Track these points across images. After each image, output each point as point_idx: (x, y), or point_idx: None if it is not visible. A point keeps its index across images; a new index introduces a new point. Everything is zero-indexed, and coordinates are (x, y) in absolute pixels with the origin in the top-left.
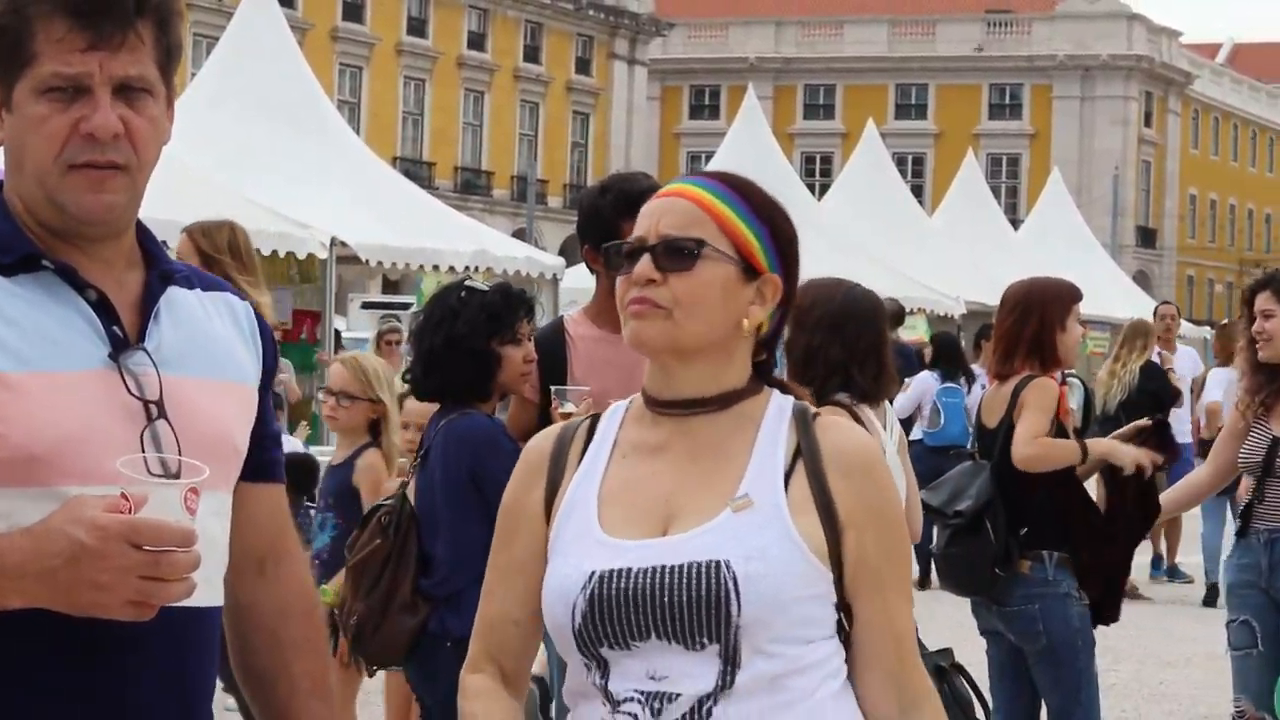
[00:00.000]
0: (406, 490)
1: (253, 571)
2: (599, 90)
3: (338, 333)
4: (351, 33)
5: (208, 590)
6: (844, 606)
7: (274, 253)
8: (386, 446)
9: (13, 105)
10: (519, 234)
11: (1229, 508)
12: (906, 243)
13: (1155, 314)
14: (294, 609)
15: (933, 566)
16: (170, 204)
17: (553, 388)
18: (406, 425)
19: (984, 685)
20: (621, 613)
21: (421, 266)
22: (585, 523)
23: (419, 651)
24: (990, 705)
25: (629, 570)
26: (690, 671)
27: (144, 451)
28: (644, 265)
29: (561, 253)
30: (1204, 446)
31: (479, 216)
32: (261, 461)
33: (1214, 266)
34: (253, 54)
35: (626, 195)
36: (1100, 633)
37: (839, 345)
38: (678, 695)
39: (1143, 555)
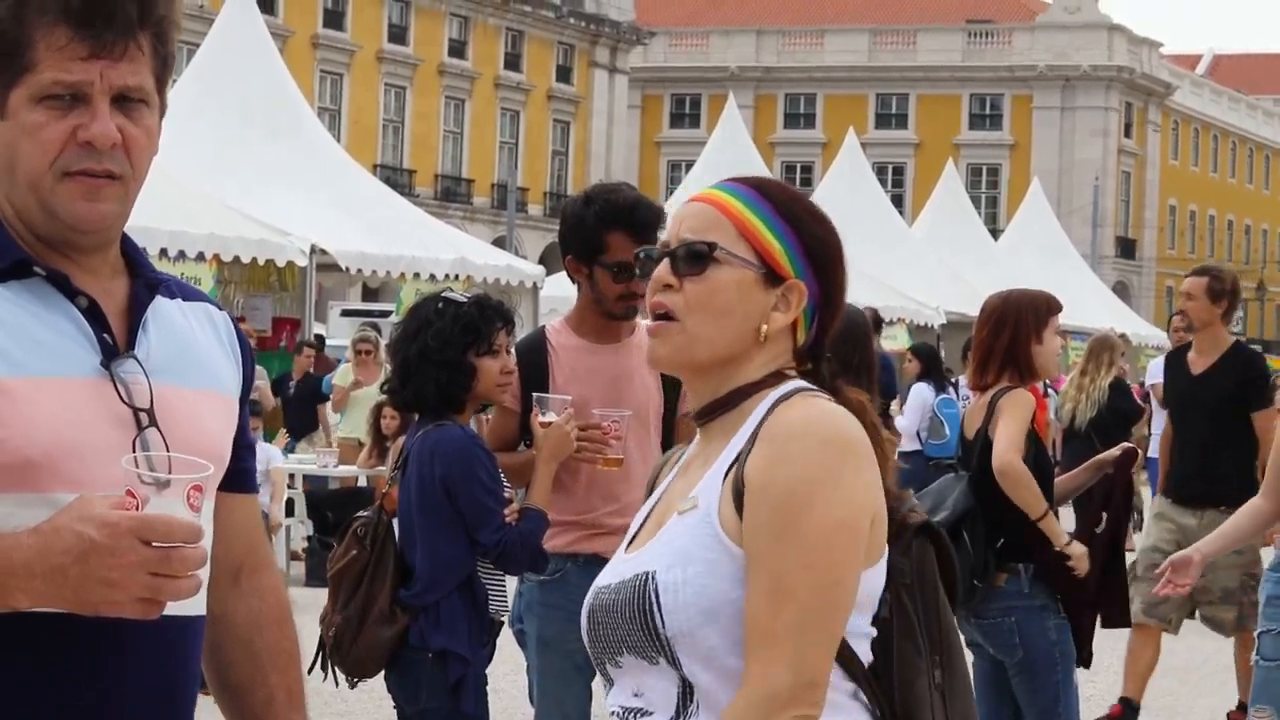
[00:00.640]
0: (384, 501)
1: (227, 582)
2: (580, 98)
3: (320, 339)
4: (332, 40)
5: (194, 600)
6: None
7: (254, 260)
8: None
9: (7, 112)
10: (499, 242)
11: None
12: (886, 252)
13: (1169, 327)
14: (268, 619)
15: None
16: (151, 212)
17: (535, 396)
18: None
19: None
20: (602, 628)
21: (402, 274)
22: (628, 536)
23: (398, 663)
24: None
25: (608, 586)
26: (658, 688)
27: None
28: (662, 269)
29: (541, 261)
30: None
31: (459, 224)
32: (237, 472)
33: None
34: (233, 60)
35: (612, 206)
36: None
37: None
38: (650, 713)
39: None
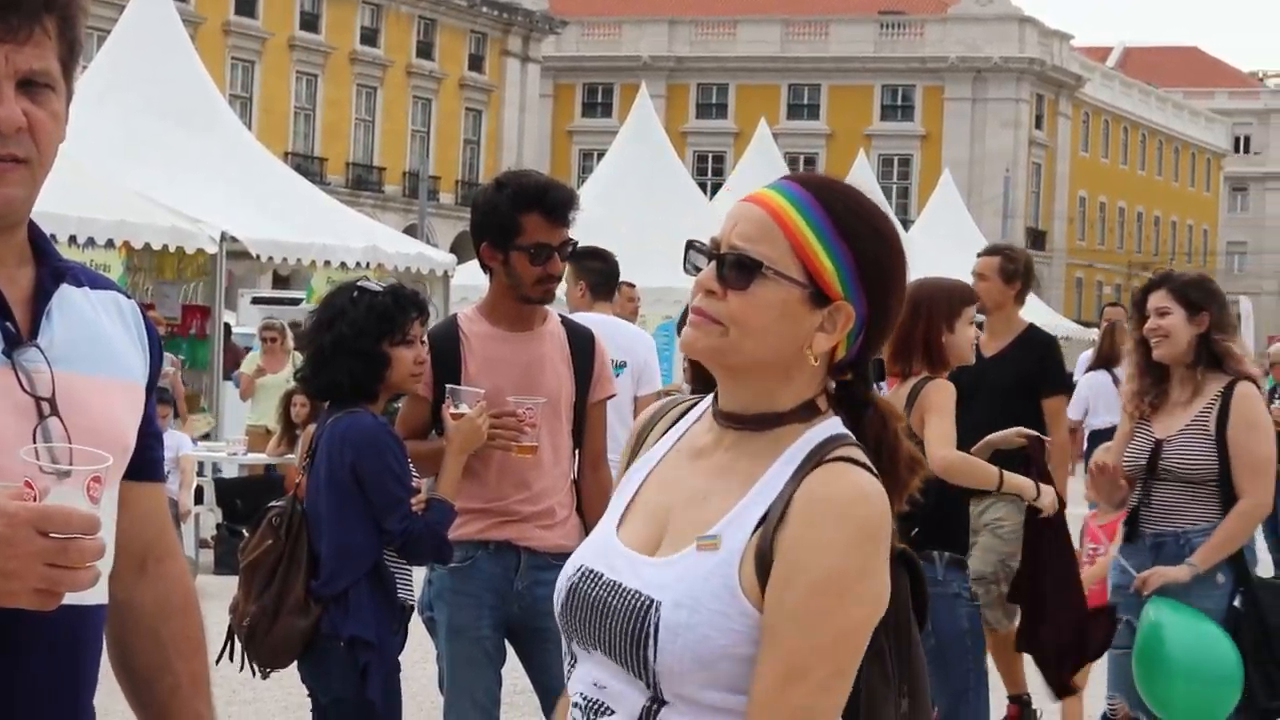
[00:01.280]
0: (297, 490)
1: (134, 570)
2: (492, 87)
3: (228, 327)
4: (243, 27)
5: (94, 589)
6: None
7: (164, 247)
8: None
9: None
10: (411, 230)
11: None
12: None
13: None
14: (174, 607)
15: None
16: (60, 198)
17: (448, 387)
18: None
19: None
20: (581, 614)
21: (313, 262)
22: (615, 509)
23: (312, 652)
24: None
25: (599, 575)
26: (625, 693)
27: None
28: (707, 274)
29: (453, 250)
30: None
31: (370, 213)
32: (144, 460)
33: (1103, 269)
34: (144, 48)
35: (525, 189)
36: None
37: None
38: (613, 711)
39: None
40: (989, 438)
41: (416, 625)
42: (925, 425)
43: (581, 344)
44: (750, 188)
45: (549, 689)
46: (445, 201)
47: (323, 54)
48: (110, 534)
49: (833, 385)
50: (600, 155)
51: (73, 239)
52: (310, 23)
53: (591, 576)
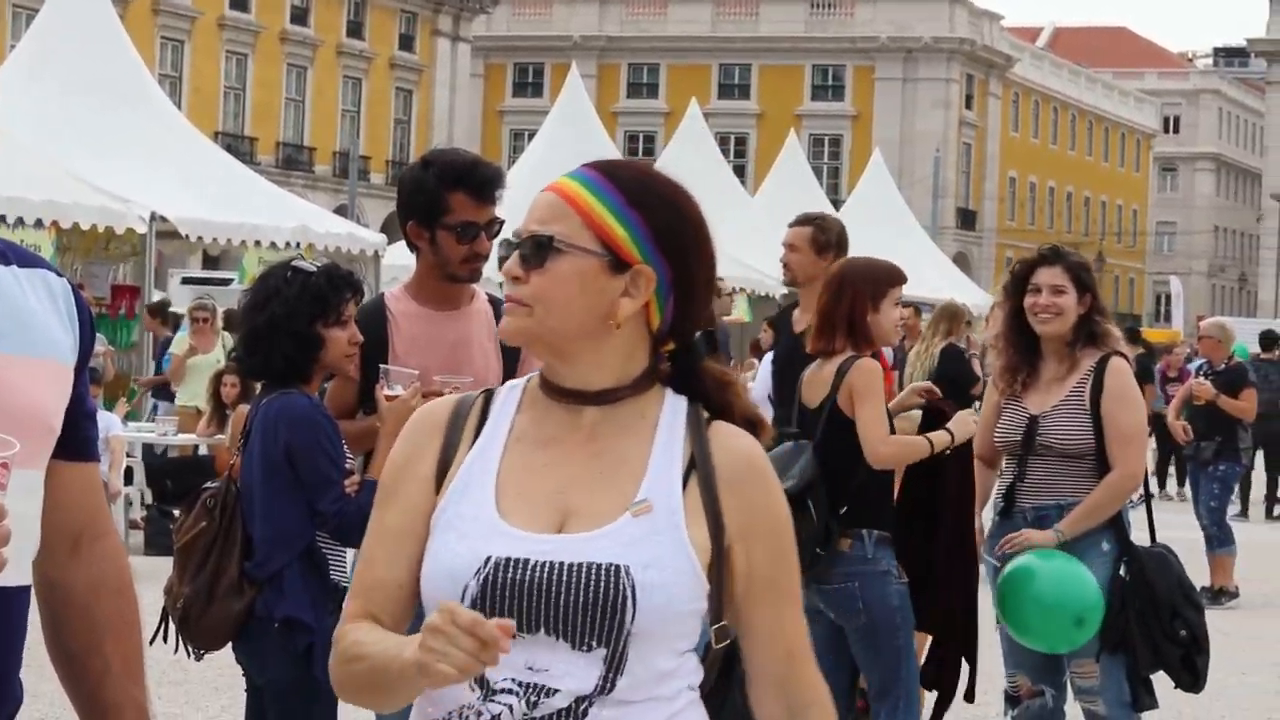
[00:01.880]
0: (231, 471)
1: (66, 550)
2: (422, 67)
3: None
4: (173, 6)
5: (13, 570)
6: (716, 620)
7: (93, 227)
8: None
9: None
10: (341, 210)
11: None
12: (728, 222)
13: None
14: (107, 588)
15: None
16: None
17: (381, 367)
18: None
19: None
20: (514, 603)
21: (243, 242)
22: (481, 504)
23: (246, 633)
24: None
25: (526, 561)
26: (573, 671)
27: None
28: (511, 263)
29: (383, 229)
30: None
31: (300, 192)
32: (76, 440)
33: (1033, 249)
34: (73, 27)
35: (451, 166)
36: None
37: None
38: (556, 690)
39: None
40: (889, 405)
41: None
42: (856, 414)
43: None
44: (682, 168)
45: None
46: (375, 181)
47: (253, 33)
48: (32, 516)
49: (664, 360)
50: (531, 135)
51: (1, 219)
52: (240, 2)
53: (516, 564)
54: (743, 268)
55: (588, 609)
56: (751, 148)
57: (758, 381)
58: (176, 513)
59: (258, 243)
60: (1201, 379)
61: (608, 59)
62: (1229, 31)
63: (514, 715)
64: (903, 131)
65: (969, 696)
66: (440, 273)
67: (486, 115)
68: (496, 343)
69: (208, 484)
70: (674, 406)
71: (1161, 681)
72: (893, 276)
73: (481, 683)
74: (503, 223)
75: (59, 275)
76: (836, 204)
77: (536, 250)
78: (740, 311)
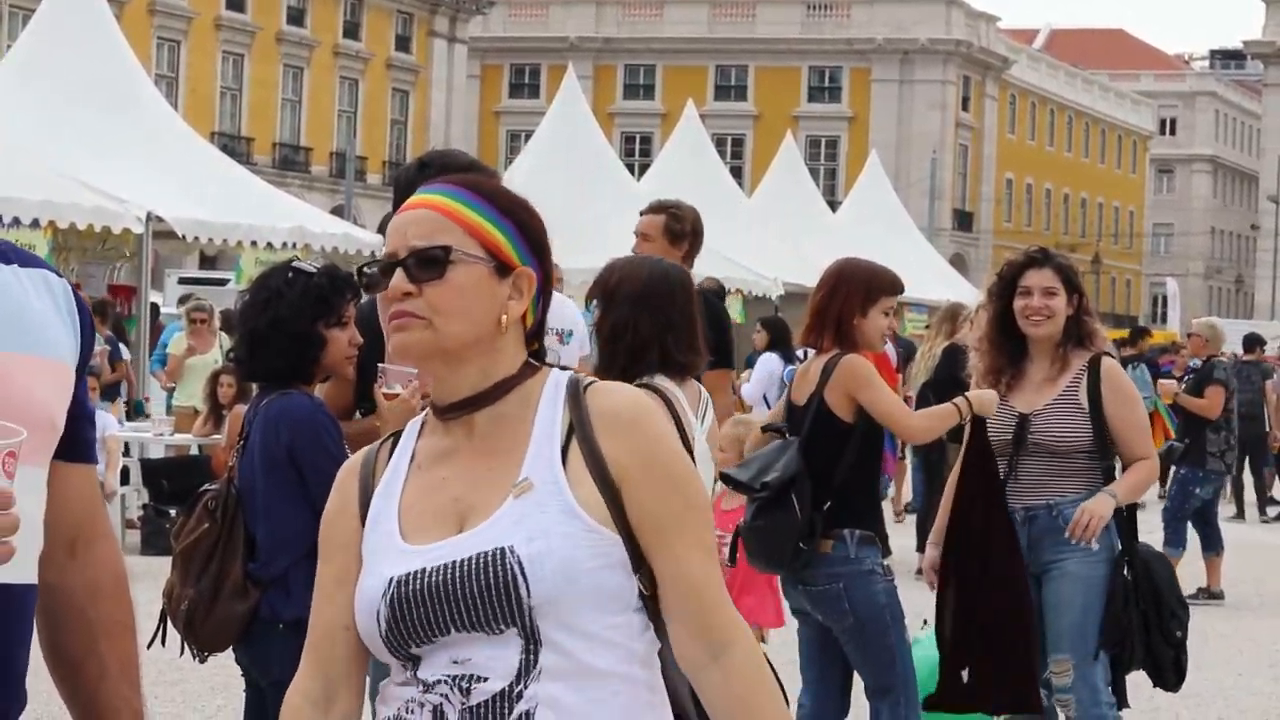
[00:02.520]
0: (231, 472)
1: (63, 552)
2: (419, 68)
3: (155, 306)
4: (169, 7)
5: (20, 568)
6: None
7: (90, 227)
8: None
9: None
10: (337, 211)
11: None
12: (724, 224)
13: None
14: (105, 591)
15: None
16: None
17: (380, 366)
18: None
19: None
20: (420, 612)
21: (239, 243)
22: (388, 534)
23: (250, 636)
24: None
25: (424, 570)
26: (495, 655)
27: None
28: (398, 280)
29: (380, 230)
30: None
31: (297, 193)
32: (75, 441)
33: None
34: (69, 27)
35: (447, 169)
36: (912, 599)
37: (647, 319)
38: (485, 678)
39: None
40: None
41: None
42: (868, 403)
43: None
44: (678, 170)
45: None
46: (372, 182)
47: (249, 34)
48: (36, 514)
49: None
50: (528, 136)
51: None
52: (236, 3)
53: (415, 576)
54: (740, 269)
55: (484, 596)
56: (748, 149)
57: (752, 382)
58: (173, 512)
59: (254, 243)
60: (1169, 379)
61: (604, 60)
62: (1225, 34)
63: (453, 704)
64: (899, 133)
65: None
66: None
67: (483, 116)
68: None
69: (207, 486)
70: (556, 381)
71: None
72: (888, 285)
73: (420, 682)
74: None
75: (59, 275)
76: (833, 205)
77: (431, 264)
78: (734, 313)
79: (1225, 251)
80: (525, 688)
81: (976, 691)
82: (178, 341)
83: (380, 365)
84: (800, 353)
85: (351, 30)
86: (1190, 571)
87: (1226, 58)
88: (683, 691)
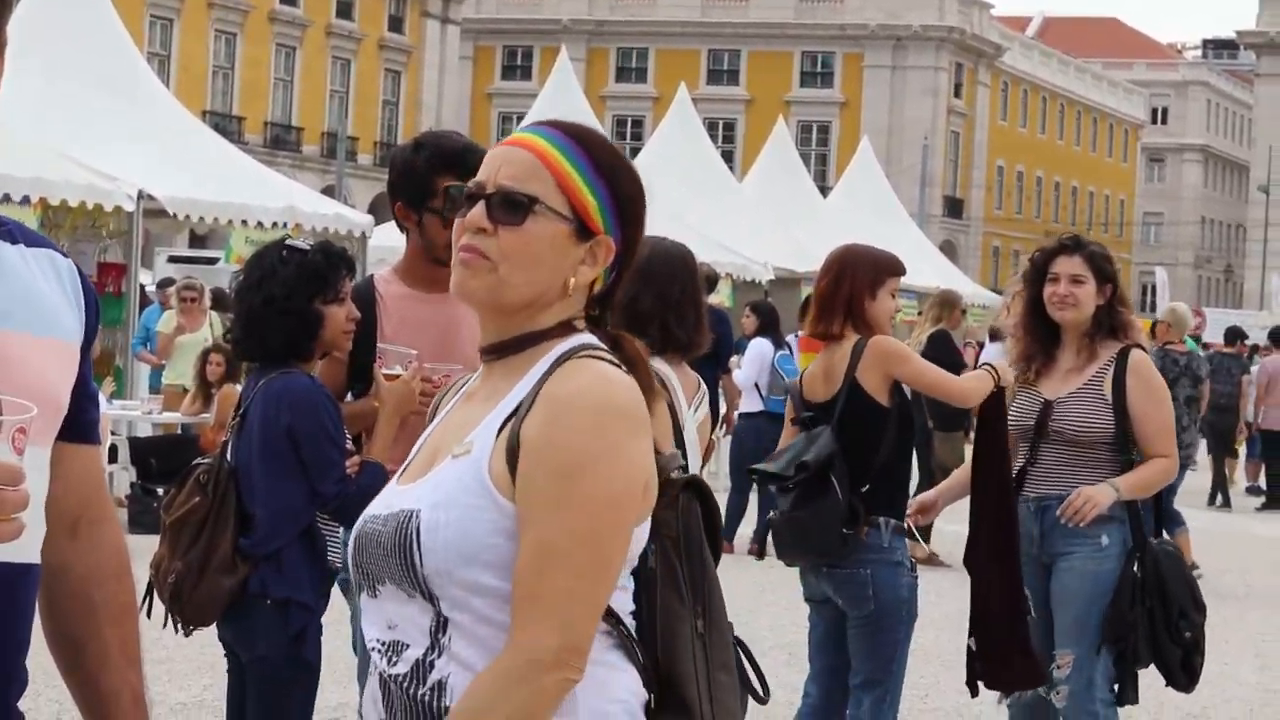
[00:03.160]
0: (225, 448)
1: (65, 534)
2: (411, 48)
3: (143, 287)
4: None
5: (23, 547)
6: None
7: (80, 204)
8: None
9: None
10: (328, 191)
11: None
12: (716, 208)
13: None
14: (106, 573)
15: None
16: None
17: (379, 346)
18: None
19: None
20: (364, 555)
21: (230, 221)
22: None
23: (236, 610)
24: (766, 680)
25: (375, 517)
26: (414, 620)
27: None
28: (477, 213)
29: (371, 210)
30: None
31: (288, 173)
32: (79, 422)
33: (1019, 238)
34: (61, 5)
35: (441, 152)
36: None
37: (650, 296)
38: (407, 646)
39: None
40: None
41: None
42: (911, 376)
43: None
44: (670, 153)
45: None
46: (363, 162)
47: (241, 13)
48: (40, 493)
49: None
50: (520, 118)
51: None
52: None
53: (372, 520)
54: (730, 254)
55: (392, 555)
56: (740, 133)
57: (744, 366)
58: (161, 491)
59: (245, 222)
60: None
61: (597, 43)
62: (1218, 23)
63: (388, 672)
64: (891, 119)
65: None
66: (428, 255)
67: (475, 97)
68: None
69: (199, 460)
70: (561, 349)
71: (1148, 672)
72: (892, 266)
73: (374, 639)
74: None
75: (64, 255)
76: (824, 191)
77: (514, 207)
78: (723, 297)
79: (1215, 241)
80: (438, 656)
81: (987, 672)
82: (167, 320)
83: (380, 346)
84: (790, 338)
85: (344, 10)
86: None
87: (1219, 47)
88: (688, 675)
